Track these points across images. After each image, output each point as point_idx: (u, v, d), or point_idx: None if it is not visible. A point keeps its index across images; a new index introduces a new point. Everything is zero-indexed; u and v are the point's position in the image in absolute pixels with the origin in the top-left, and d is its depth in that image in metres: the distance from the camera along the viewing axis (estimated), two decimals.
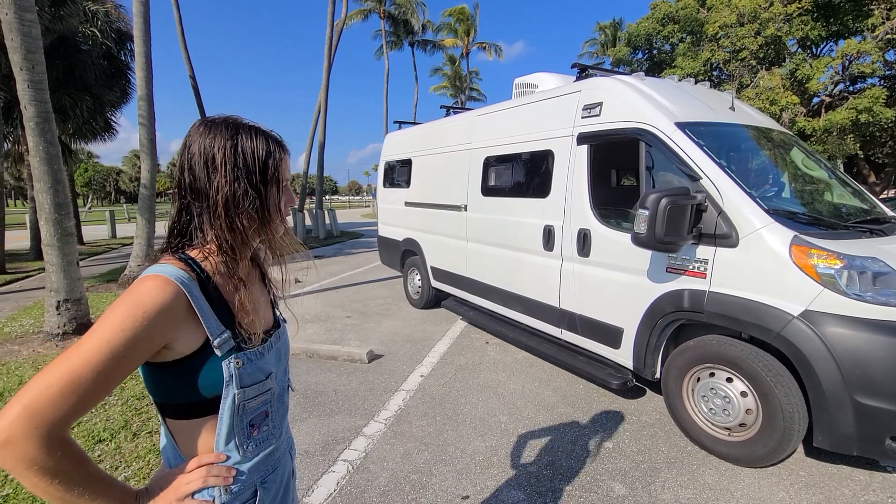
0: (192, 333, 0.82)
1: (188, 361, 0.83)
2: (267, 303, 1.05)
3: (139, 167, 8.31)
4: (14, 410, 0.67)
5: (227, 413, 0.87)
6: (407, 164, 6.37)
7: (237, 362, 0.87)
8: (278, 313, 1.09)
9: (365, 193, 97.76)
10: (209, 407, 0.86)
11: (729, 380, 2.76)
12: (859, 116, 12.23)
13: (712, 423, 2.87)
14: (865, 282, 2.36)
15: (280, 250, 0.99)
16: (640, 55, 18.57)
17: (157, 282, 0.79)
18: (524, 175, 4.34)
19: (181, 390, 0.85)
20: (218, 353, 0.84)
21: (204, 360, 0.84)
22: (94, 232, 18.95)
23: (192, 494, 0.85)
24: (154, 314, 0.76)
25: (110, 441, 2.92)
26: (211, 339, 0.84)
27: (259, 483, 0.95)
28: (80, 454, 0.74)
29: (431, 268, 5.91)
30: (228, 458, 0.89)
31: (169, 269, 0.81)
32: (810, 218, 2.97)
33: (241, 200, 0.86)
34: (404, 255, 6.59)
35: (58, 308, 4.93)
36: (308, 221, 17.21)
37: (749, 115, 3.88)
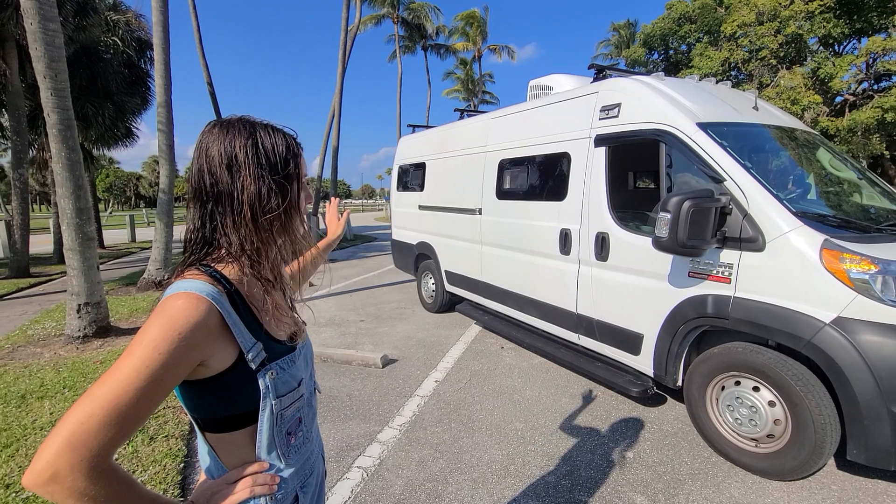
0: (227, 349, 0.81)
1: (224, 377, 0.81)
2: (288, 308, 1.04)
3: (158, 172, 8.45)
4: (57, 444, 0.64)
5: (266, 424, 0.86)
6: (421, 167, 6.35)
7: (272, 374, 0.86)
8: (297, 316, 1.07)
9: (378, 197, 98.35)
10: (248, 418, 0.86)
11: (756, 388, 2.66)
12: (885, 115, 11.90)
13: (738, 434, 2.76)
14: None
15: (300, 251, 0.98)
16: (655, 56, 18.37)
17: (190, 300, 0.77)
18: (540, 178, 4.28)
19: (219, 405, 0.84)
20: (252, 366, 0.83)
21: (240, 374, 0.82)
22: (114, 236, 19.38)
23: None
24: (189, 333, 0.74)
25: (127, 445, 2.93)
26: (245, 353, 0.82)
27: (299, 488, 0.95)
28: (126, 478, 0.73)
29: (446, 272, 5.87)
30: (271, 466, 0.89)
31: (199, 286, 0.79)
32: (841, 220, 2.85)
33: (267, 198, 0.85)
34: (418, 258, 6.56)
35: (79, 311, 5.02)
36: (322, 225, 17.36)
37: (773, 114, 3.77)
